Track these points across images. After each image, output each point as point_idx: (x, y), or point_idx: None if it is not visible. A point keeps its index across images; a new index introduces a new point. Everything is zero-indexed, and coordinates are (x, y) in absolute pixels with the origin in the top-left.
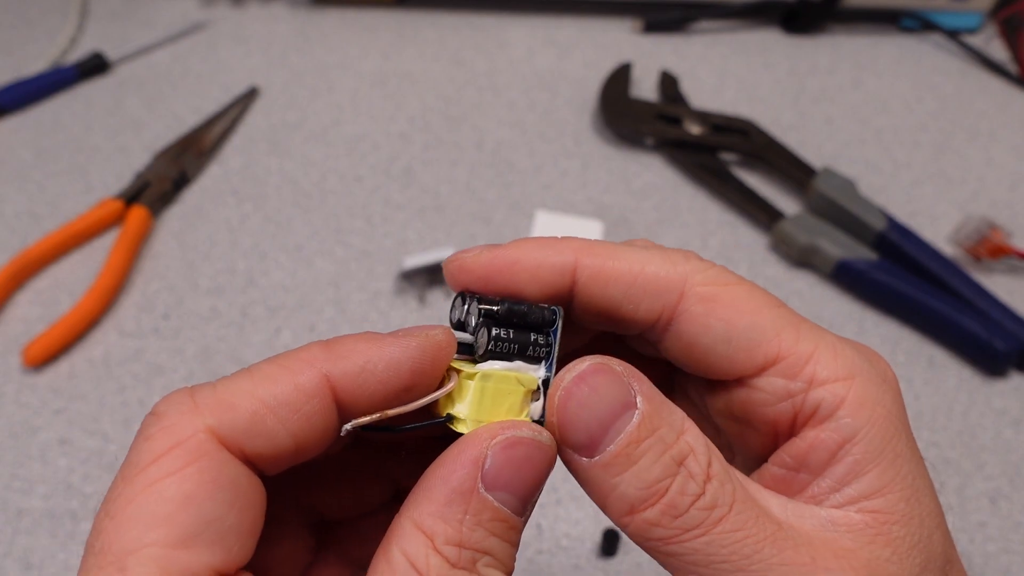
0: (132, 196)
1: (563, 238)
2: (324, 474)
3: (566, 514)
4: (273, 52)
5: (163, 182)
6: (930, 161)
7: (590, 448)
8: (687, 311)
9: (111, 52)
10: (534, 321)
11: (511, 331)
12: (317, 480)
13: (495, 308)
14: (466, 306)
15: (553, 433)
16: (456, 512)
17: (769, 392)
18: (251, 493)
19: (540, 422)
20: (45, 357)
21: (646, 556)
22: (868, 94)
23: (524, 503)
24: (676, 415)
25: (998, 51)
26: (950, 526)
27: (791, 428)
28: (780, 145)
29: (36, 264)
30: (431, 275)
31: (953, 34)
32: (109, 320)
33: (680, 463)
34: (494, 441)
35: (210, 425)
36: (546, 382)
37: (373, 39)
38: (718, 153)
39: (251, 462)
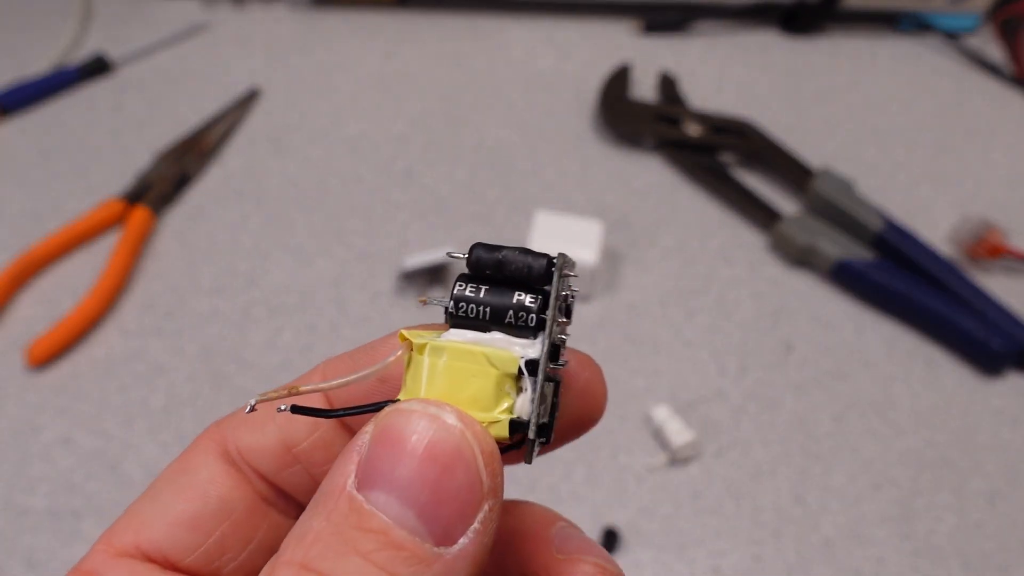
0: (134, 196)
1: None
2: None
3: (565, 513)
4: (274, 53)
5: (165, 182)
6: (928, 161)
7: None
8: None
9: (113, 53)
10: (514, 272)
11: (480, 288)
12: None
13: (461, 254)
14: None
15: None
16: (315, 521)
17: None
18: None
19: (523, 424)
20: (48, 357)
21: (646, 555)
22: (866, 95)
23: (429, 521)
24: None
25: (995, 52)
26: (949, 525)
27: None
28: (779, 146)
29: (39, 264)
30: (431, 275)
31: (950, 35)
32: (111, 320)
33: None
34: (379, 417)
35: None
36: (532, 364)
37: (374, 40)
38: (717, 154)
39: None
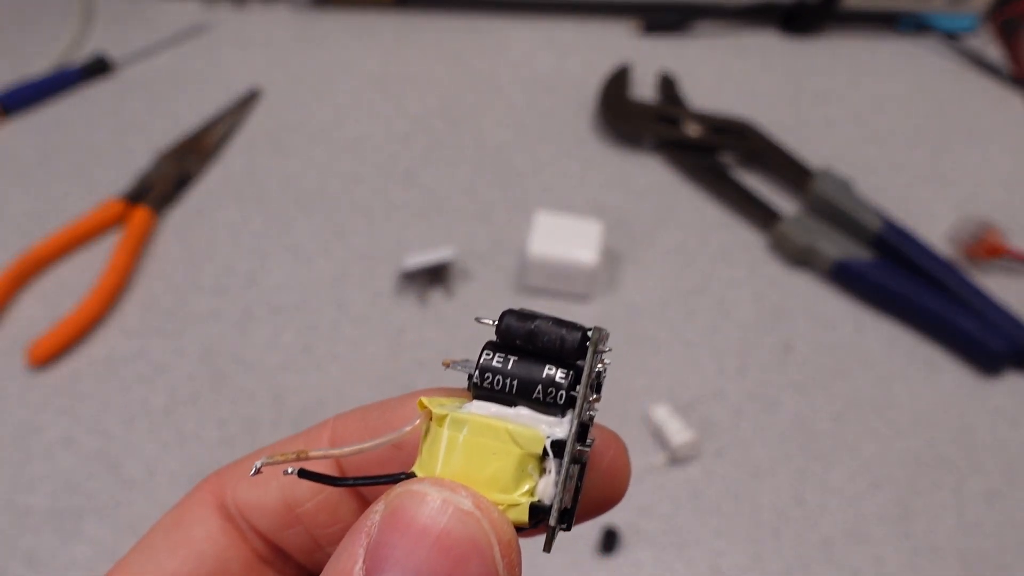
0: (135, 196)
1: None
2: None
3: None
4: (274, 54)
5: (166, 183)
6: (927, 162)
7: None
8: None
9: (114, 54)
10: (546, 345)
11: (509, 358)
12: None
13: (492, 322)
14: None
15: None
16: None
17: None
18: None
19: (545, 509)
20: (49, 356)
21: (646, 554)
22: (866, 95)
23: None
24: None
25: (994, 53)
26: (948, 525)
27: None
28: (778, 146)
29: (40, 264)
30: (431, 275)
31: (949, 36)
32: (112, 320)
33: None
34: (390, 497)
35: None
36: (558, 445)
37: (374, 41)
38: (717, 154)
39: None
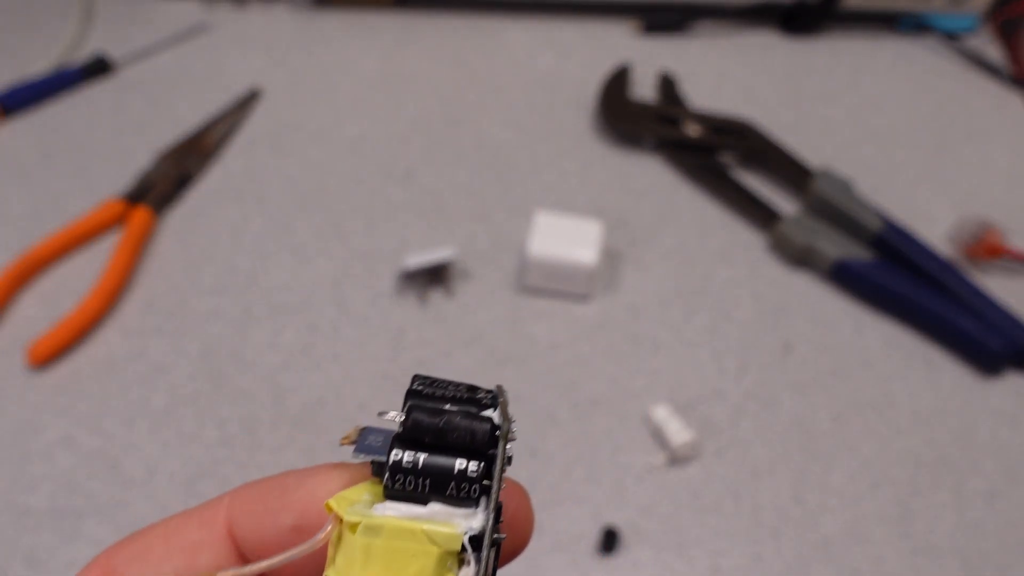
0: (135, 196)
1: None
2: None
3: (564, 512)
4: (274, 54)
5: (166, 183)
6: (927, 162)
7: None
8: None
9: (114, 54)
10: (456, 441)
11: (418, 456)
12: None
13: (400, 416)
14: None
15: None
16: None
17: None
18: None
19: None
20: (49, 356)
21: (645, 554)
22: (865, 95)
23: None
24: None
25: (994, 53)
26: (948, 524)
27: None
28: (778, 146)
29: (40, 264)
30: (431, 275)
31: (949, 36)
32: (112, 320)
33: None
34: None
35: None
36: (476, 539)
37: (374, 41)
38: (717, 154)
39: None
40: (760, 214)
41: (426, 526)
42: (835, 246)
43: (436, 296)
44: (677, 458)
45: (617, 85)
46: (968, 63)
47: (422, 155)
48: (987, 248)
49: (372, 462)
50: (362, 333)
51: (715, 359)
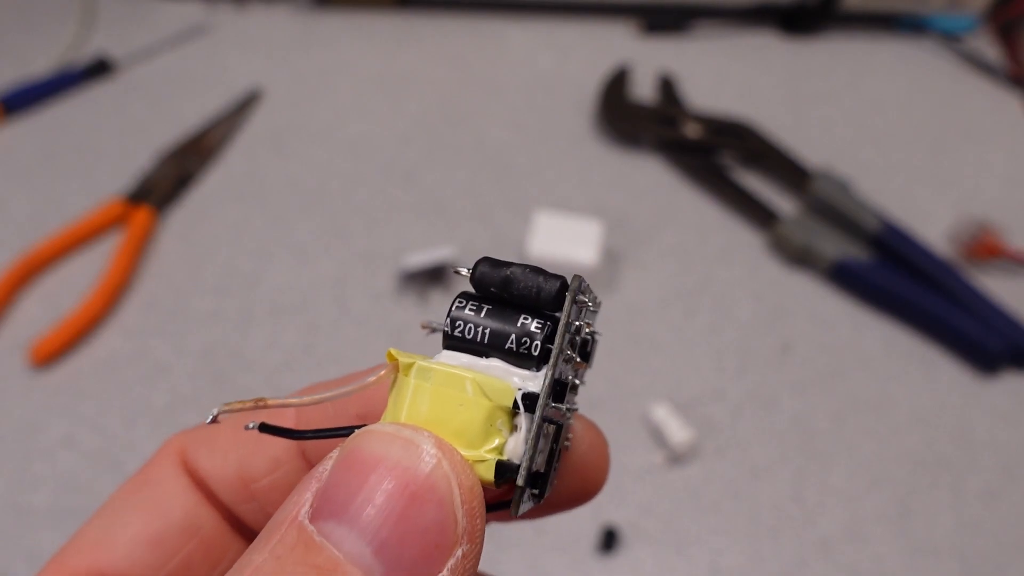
0: (136, 196)
1: None
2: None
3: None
4: (275, 54)
5: (167, 183)
6: (926, 162)
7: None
8: None
9: (116, 54)
10: (522, 292)
11: (482, 307)
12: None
13: (466, 271)
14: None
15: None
16: (256, 554)
17: None
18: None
19: (513, 468)
20: (51, 356)
21: (646, 553)
22: (865, 96)
23: (388, 560)
24: None
25: (992, 54)
26: (946, 523)
27: None
28: (777, 146)
29: (42, 264)
30: (431, 275)
31: (948, 37)
32: (114, 319)
33: None
34: (346, 441)
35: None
36: (530, 399)
37: (374, 41)
38: (716, 154)
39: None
40: (759, 214)
41: (479, 376)
42: (834, 246)
43: (436, 296)
44: (676, 457)
45: (617, 85)
46: (967, 64)
47: (422, 155)
48: (985, 248)
49: (444, 333)
50: (362, 333)
51: (715, 359)
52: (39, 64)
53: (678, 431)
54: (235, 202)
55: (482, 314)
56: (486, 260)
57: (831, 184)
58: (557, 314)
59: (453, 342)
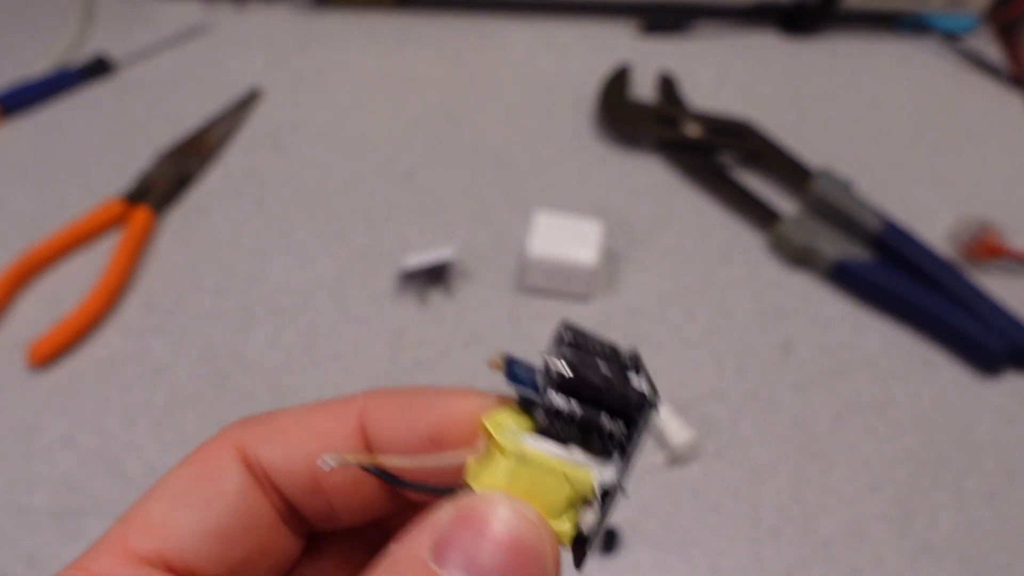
0: (135, 196)
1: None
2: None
3: None
4: (275, 54)
5: (166, 183)
6: (926, 162)
7: None
8: None
9: (115, 54)
10: (611, 401)
11: (577, 408)
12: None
13: (565, 369)
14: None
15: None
16: None
17: None
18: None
19: (585, 539)
20: (49, 356)
21: (646, 554)
22: (865, 96)
23: None
24: None
25: (993, 53)
26: (947, 524)
27: None
28: (778, 146)
29: (40, 264)
30: (431, 275)
31: (949, 37)
32: (113, 319)
33: None
34: (461, 501)
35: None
36: (607, 490)
37: (374, 41)
38: (716, 154)
39: None
40: (760, 214)
41: (567, 468)
42: (835, 246)
43: (436, 296)
44: (677, 458)
45: (617, 85)
46: (968, 63)
47: (422, 155)
48: (986, 248)
49: (519, 394)
50: (362, 333)
51: (715, 359)
52: (38, 64)
53: (678, 432)
54: (234, 202)
55: (576, 416)
56: (582, 363)
57: (832, 184)
58: (635, 416)
59: (544, 431)
